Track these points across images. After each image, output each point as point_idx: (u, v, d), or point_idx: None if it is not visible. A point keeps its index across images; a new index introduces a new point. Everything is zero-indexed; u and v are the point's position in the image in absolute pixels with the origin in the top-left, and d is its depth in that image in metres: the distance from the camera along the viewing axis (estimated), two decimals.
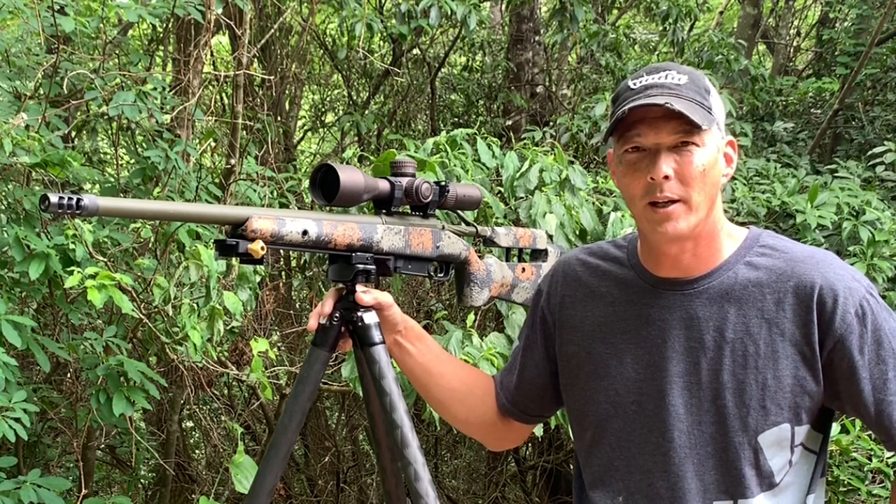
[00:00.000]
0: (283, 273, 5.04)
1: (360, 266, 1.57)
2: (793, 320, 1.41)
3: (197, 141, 3.89)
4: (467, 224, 1.80)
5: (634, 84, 1.43)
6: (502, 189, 3.44)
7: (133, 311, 2.84)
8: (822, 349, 1.40)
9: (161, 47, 5.08)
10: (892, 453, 3.12)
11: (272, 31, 4.62)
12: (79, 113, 4.05)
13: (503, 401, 1.69)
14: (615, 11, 6.80)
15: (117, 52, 3.92)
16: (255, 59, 5.05)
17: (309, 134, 7.15)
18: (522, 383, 1.67)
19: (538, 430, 2.75)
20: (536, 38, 6.09)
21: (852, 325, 1.39)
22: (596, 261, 1.61)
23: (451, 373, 1.71)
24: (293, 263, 5.14)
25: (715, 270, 1.47)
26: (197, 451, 5.54)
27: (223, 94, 5.17)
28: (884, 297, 3.74)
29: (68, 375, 3.66)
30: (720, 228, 1.48)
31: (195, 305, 2.92)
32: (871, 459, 3.13)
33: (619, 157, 1.45)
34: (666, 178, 1.37)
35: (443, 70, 6.66)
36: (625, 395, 1.50)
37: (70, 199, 1.27)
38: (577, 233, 3.24)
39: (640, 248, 1.54)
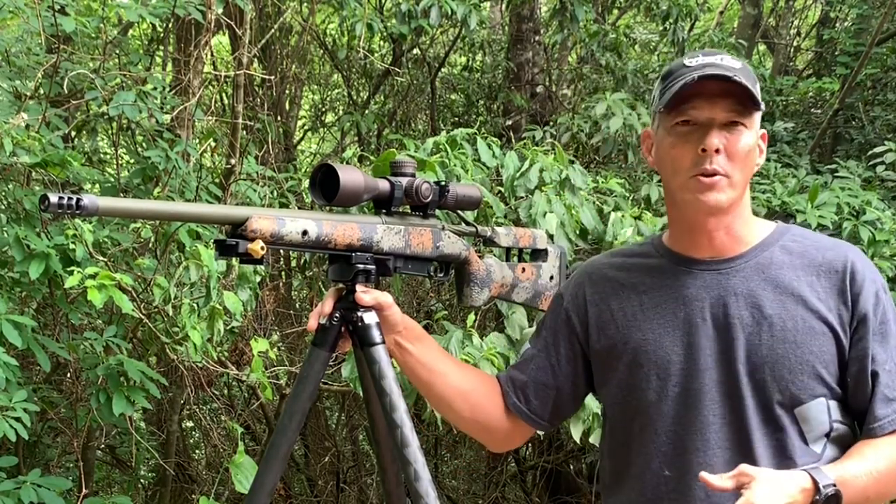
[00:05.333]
0: (283, 273, 5.04)
1: (360, 266, 1.57)
2: (825, 301, 1.48)
3: (197, 141, 3.89)
4: (467, 224, 1.80)
5: (690, 62, 1.49)
6: (502, 189, 3.44)
7: (133, 311, 2.83)
8: (850, 327, 1.48)
9: (161, 47, 5.08)
10: None
11: (272, 31, 4.62)
12: (79, 113, 4.05)
13: (513, 399, 1.69)
14: (615, 11, 6.79)
15: (117, 52, 3.92)
16: (256, 59, 5.05)
17: (309, 134, 7.14)
18: (537, 385, 1.67)
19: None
20: (536, 37, 6.08)
21: (869, 311, 1.48)
22: (621, 259, 1.67)
23: (453, 371, 1.71)
24: (293, 263, 5.13)
25: (751, 250, 1.53)
26: (197, 451, 5.54)
27: (223, 94, 5.16)
28: None
29: (68, 375, 3.66)
30: (749, 212, 1.56)
31: (195, 305, 2.92)
32: None
33: (668, 129, 1.50)
34: (717, 151, 1.44)
35: (443, 70, 6.65)
36: (665, 378, 1.52)
37: (70, 199, 1.27)
38: (578, 232, 3.24)
39: (668, 237, 1.61)
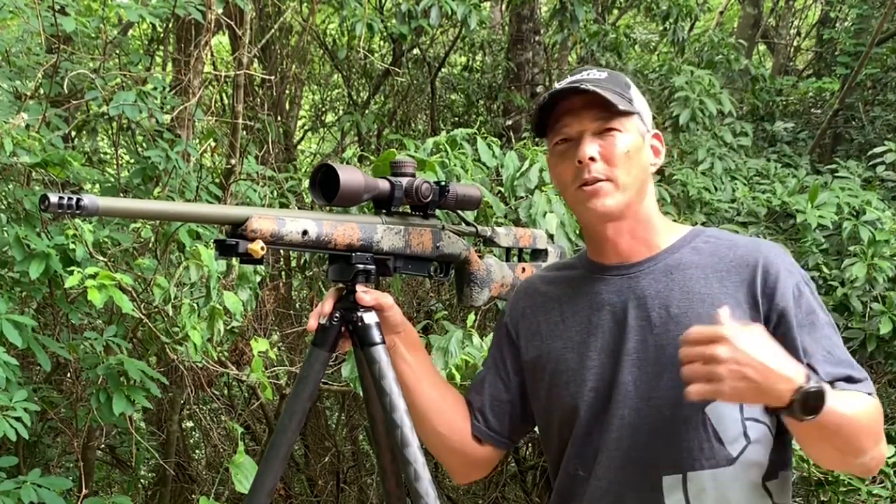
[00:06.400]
0: (283, 273, 5.04)
1: (360, 266, 1.57)
2: (735, 296, 1.48)
3: (197, 141, 3.89)
4: (467, 224, 1.80)
5: (559, 84, 1.56)
6: (502, 189, 3.44)
7: (133, 311, 2.84)
8: (769, 323, 1.45)
9: (161, 47, 5.08)
10: (892, 453, 3.11)
11: (272, 31, 4.62)
12: (79, 113, 4.05)
13: (473, 422, 1.71)
14: (615, 11, 6.79)
15: (117, 52, 3.92)
16: (256, 59, 5.05)
17: (309, 134, 7.14)
18: (493, 402, 1.70)
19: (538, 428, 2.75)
20: (536, 38, 6.08)
21: (789, 304, 1.46)
22: (553, 273, 1.72)
23: (437, 386, 1.72)
24: (293, 263, 5.14)
25: (660, 254, 1.55)
26: (197, 451, 5.54)
27: (223, 94, 5.16)
28: (884, 298, 3.75)
29: (68, 375, 3.66)
30: (656, 216, 1.58)
31: (195, 305, 2.92)
32: None
33: (551, 151, 1.57)
34: (591, 159, 1.49)
35: (443, 70, 6.65)
36: (581, 384, 1.55)
37: (70, 199, 1.27)
38: (578, 232, 3.24)
39: (587, 247, 1.64)
